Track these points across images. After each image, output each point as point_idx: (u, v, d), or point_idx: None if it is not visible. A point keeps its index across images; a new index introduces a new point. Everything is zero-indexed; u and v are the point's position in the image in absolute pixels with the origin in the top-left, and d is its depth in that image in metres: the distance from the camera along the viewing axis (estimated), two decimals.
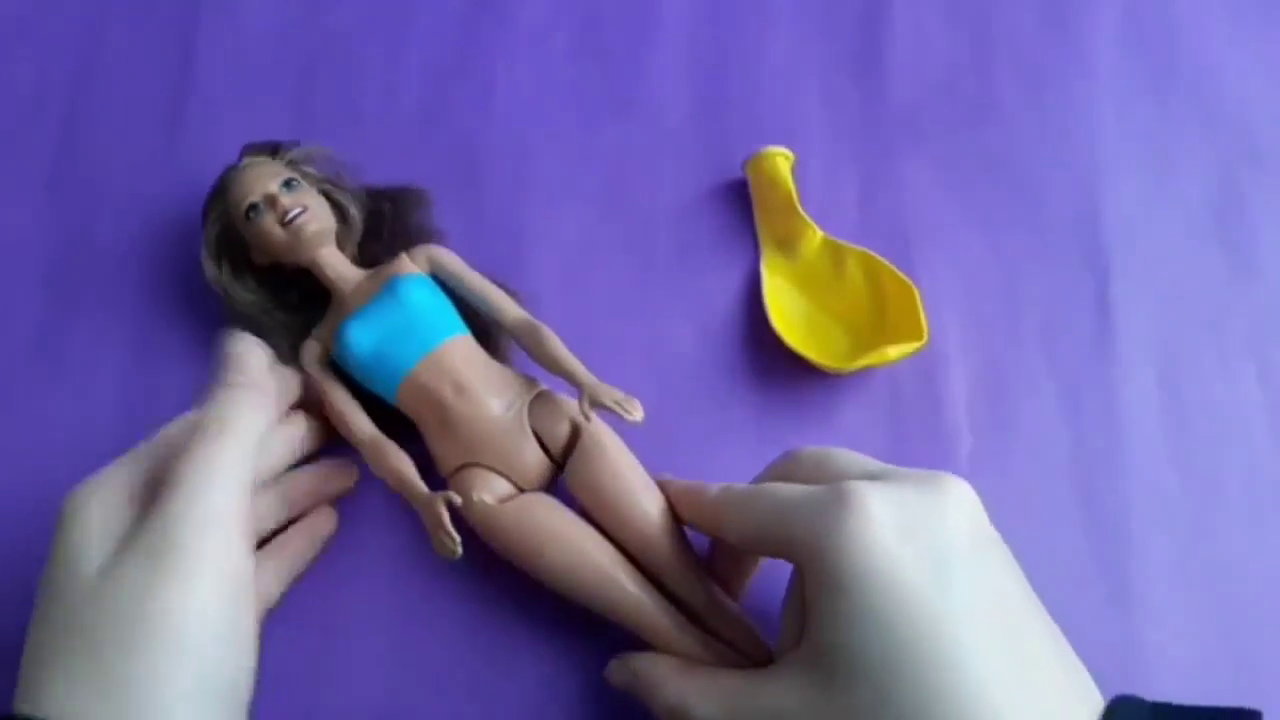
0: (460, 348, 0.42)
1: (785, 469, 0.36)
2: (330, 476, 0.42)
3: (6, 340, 0.47)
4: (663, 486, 0.39)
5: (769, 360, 0.46)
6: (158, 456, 0.34)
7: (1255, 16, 0.53)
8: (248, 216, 0.43)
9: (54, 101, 0.51)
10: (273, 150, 0.45)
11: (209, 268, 0.45)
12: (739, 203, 0.49)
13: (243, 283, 0.45)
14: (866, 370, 0.45)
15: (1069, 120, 0.51)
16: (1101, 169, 0.50)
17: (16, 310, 0.47)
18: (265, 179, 0.43)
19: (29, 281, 0.48)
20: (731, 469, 0.44)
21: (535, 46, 0.52)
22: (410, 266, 0.44)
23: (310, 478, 0.41)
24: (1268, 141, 0.50)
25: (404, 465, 0.41)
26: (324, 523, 0.41)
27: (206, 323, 0.46)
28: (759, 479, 0.38)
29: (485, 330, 0.44)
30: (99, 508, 0.32)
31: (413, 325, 0.42)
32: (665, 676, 0.34)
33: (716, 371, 0.46)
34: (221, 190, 0.44)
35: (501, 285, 0.45)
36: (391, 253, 0.45)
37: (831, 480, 0.31)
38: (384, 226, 0.46)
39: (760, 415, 0.46)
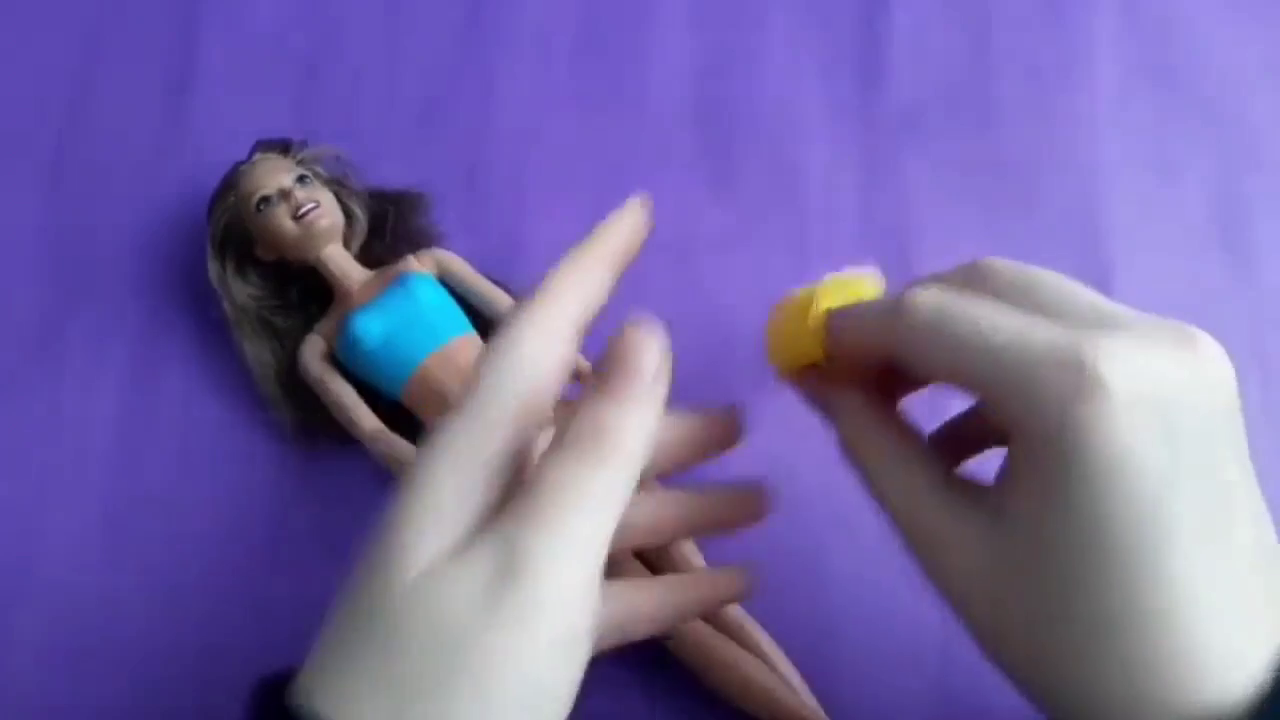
0: (469, 345, 0.43)
1: (973, 283, 0.29)
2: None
3: (7, 338, 0.47)
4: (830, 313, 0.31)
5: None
6: (506, 431, 0.25)
7: (1255, 16, 0.53)
8: (258, 209, 0.43)
9: (54, 101, 0.51)
10: (284, 148, 0.46)
11: (212, 262, 0.45)
12: (740, 202, 0.49)
13: (244, 278, 0.45)
14: None
15: (1069, 120, 0.51)
16: (1101, 169, 0.50)
17: (17, 308, 0.47)
18: (278, 173, 0.44)
19: (30, 280, 0.48)
20: (732, 469, 0.44)
21: (535, 46, 0.52)
22: (418, 267, 0.44)
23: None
24: (1268, 141, 0.50)
25: (413, 455, 0.41)
26: (731, 584, 0.33)
27: (208, 322, 0.46)
28: (935, 280, 0.30)
29: (488, 333, 0.45)
30: (446, 486, 0.24)
31: (423, 319, 0.42)
32: (856, 412, 0.30)
33: (716, 372, 0.46)
34: (232, 183, 0.45)
35: (505, 288, 0.45)
36: (394, 254, 0.45)
37: (1047, 316, 0.26)
38: (386, 228, 0.47)
39: (761, 417, 0.45)
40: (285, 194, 0.43)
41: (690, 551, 0.41)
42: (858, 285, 0.32)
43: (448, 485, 0.24)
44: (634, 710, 0.40)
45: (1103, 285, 0.48)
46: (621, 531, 0.25)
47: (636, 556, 0.40)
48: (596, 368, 0.26)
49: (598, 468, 0.24)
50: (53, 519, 0.44)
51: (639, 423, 0.26)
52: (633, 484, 0.25)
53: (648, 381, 0.26)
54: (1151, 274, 0.48)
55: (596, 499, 0.24)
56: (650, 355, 0.27)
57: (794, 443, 0.45)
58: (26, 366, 0.47)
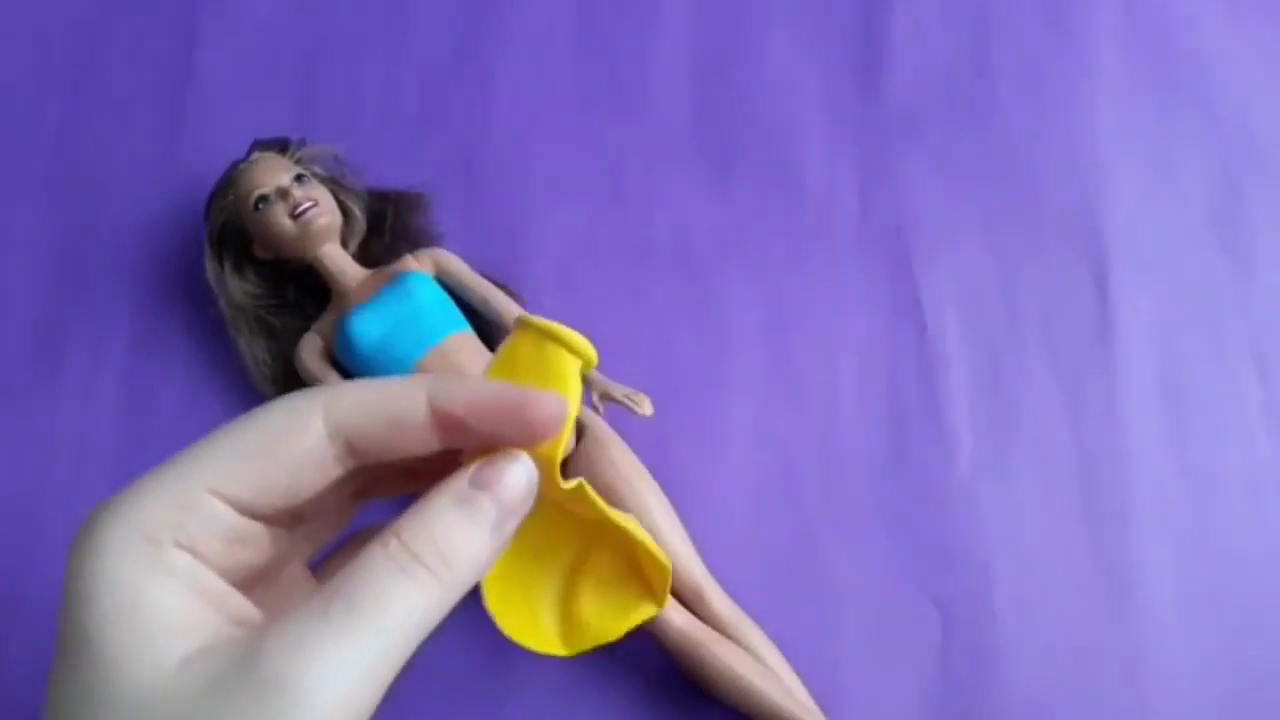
0: (466, 343, 0.43)
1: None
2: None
3: (7, 337, 0.47)
4: None
5: (768, 359, 0.46)
6: (251, 486, 0.21)
7: (1255, 16, 0.53)
8: (256, 207, 0.43)
9: (54, 101, 0.51)
10: (282, 147, 0.46)
11: (210, 261, 0.45)
12: (740, 202, 0.49)
13: (242, 276, 0.45)
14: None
15: (1069, 120, 0.51)
16: (1101, 169, 0.50)
17: (16, 310, 0.47)
18: (276, 172, 0.44)
19: (29, 281, 0.48)
20: (731, 467, 0.44)
21: (535, 46, 0.52)
22: (416, 266, 0.44)
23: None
24: (1268, 141, 0.50)
25: None
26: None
27: (206, 321, 0.46)
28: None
29: (486, 332, 0.45)
30: (170, 576, 0.20)
31: (420, 319, 0.42)
32: None
33: (715, 371, 0.46)
34: (230, 182, 0.45)
35: (503, 287, 0.45)
36: (393, 253, 0.46)
37: None
38: (385, 227, 0.47)
39: (760, 413, 0.45)
40: (283, 192, 0.43)
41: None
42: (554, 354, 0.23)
43: (175, 580, 0.20)
44: (630, 710, 0.40)
45: (1102, 285, 0.48)
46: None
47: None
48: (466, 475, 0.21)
49: (421, 587, 0.20)
50: (52, 518, 0.44)
51: (481, 549, 0.21)
52: (447, 609, 0.21)
53: (509, 511, 0.21)
54: (1151, 274, 0.48)
55: (405, 622, 0.20)
56: (522, 486, 0.21)
57: (795, 441, 0.45)
58: (26, 365, 0.47)
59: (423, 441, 0.21)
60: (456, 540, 0.20)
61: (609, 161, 0.50)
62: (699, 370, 0.46)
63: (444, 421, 0.21)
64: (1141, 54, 0.52)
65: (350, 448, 0.21)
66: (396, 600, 0.19)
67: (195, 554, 0.20)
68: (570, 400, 0.22)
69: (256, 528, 0.21)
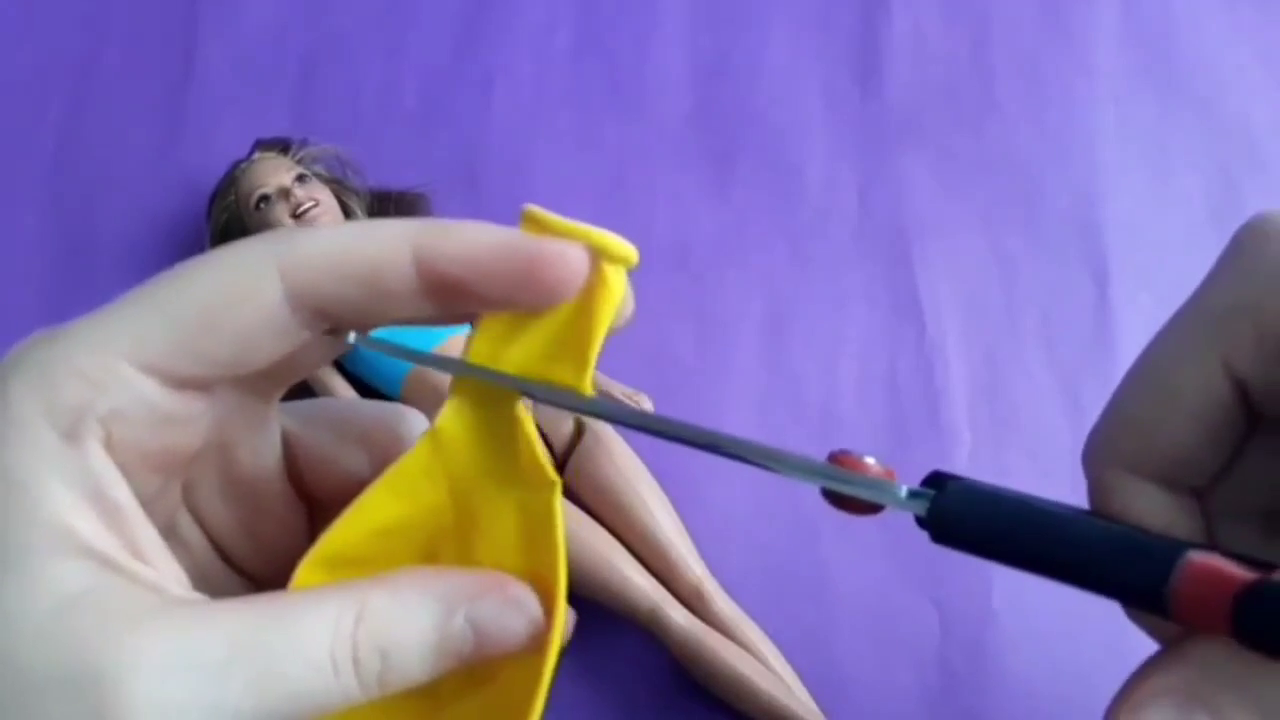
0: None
1: None
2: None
3: (7, 338, 0.47)
4: None
5: (768, 359, 0.46)
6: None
7: (1254, 16, 0.53)
8: (258, 207, 0.44)
9: (54, 100, 0.51)
10: (284, 147, 0.46)
11: None
12: (740, 202, 0.49)
13: None
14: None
15: (1069, 120, 0.51)
16: (1101, 169, 0.50)
17: (17, 307, 0.47)
18: (278, 172, 0.44)
19: (29, 281, 0.48)
20: (730, 469, 0.44)
21: (535, 46, 0.52)
22: None
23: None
24: (1268, 141, 0.50)
25: None
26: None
27: None
28: None
29: None
30: (70, 477, 0.16)
31: None
32: None
33: (715, 371, 0.46)
34: (231, 182, 0.45)
35: None
36: None
37: None
38: None
39: (759, 414, 0.46)
40: (285, 192, 0.44)
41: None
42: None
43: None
44: (630, 709, 0.40)
45: (1101, 285, 0.48)
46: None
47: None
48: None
49: (337, 686, 0.16)
50: None
51: (421, 676, 0.17)
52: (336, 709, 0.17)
53: (482, 653, 0.17)
54: (1151, 274, 0.48)
55: (287, 700, 0.16)
56: (519, 634, 0.18)
57: (795, 440, 0.45)
58: None
59: (410, 306, 0.18)
60: (407, 664, 0.16)
61: (609, 161, 0.50)
62: (699, 370, 0.46)
63: (436, 283, 0.17)
64: (1141, 54, 0.52)
65: (317, 313, 0.17)
66: (295, 680, 0.16)
67: (110, 445, 0.17)
68: (609, 294, 0.18)
69: (192, 401, 0.18)
